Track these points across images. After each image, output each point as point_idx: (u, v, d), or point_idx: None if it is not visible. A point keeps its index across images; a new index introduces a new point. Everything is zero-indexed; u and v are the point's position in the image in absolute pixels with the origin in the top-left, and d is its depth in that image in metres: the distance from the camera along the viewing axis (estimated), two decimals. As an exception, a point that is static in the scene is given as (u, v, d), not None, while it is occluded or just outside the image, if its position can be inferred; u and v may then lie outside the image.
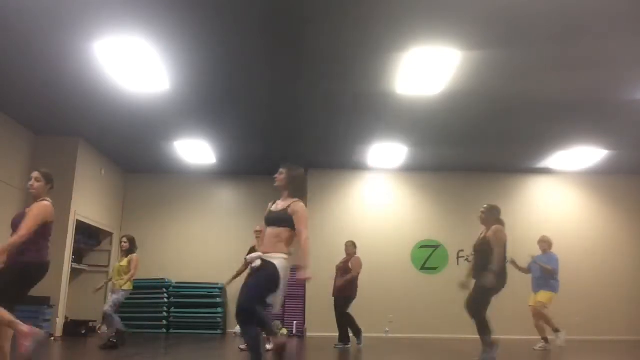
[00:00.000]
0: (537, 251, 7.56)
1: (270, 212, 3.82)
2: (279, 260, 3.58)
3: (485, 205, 5.48)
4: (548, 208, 10.18)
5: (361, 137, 8.57)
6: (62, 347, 6.80)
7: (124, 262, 6.81)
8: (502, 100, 7.00)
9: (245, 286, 3.68)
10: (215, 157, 9.67)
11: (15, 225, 3.88)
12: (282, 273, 3.57)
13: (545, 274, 7.23)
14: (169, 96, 6.88)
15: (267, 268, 3.58)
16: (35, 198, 4.05)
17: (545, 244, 7.51)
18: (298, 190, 3.86)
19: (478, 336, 5.12)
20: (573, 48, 5.59)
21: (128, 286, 6.70)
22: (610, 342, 8.63)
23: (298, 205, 3.72)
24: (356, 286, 7.45)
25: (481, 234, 5.41)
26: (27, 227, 3.80)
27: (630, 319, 9.60)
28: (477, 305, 5.12)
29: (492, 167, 10.15)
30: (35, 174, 4.09)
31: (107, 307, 6.64)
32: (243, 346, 6.43)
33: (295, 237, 3.71)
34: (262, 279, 3.58)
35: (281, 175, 3.88)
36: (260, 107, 7.45)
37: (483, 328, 5.06)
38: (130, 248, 6.89)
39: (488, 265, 5.06)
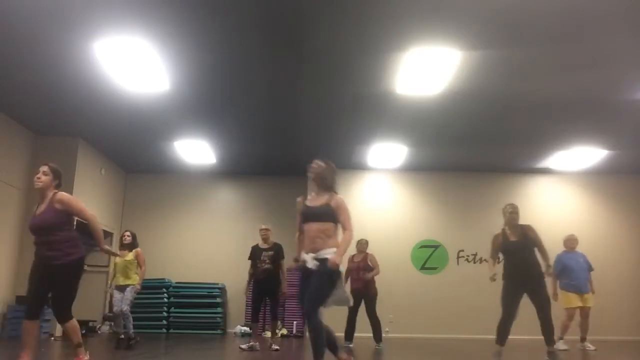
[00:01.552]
0: None
1: (310, 207, 3.73)
2: (332, 255, 3.58)
3: (514, 205, 5.43)
4: (548, 208, 10.17)
5: (361, 137, 8.57)
6: (62, 347, 6.80)
7: (129, 256, 6.55)
8: (502, 100, 7.00)
9: (309, 288, 3.58)
10: (215, 157, 9.67)
11: (46, 224, 3.86)
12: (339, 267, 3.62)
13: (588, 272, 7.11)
14: (169, 96, 6.88)
15: (325, 267, 3.55)
16: (41, 191, 3.98)
17: (575, 241, 7.31)
18: (333, 185, 3.85)
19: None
20: (573, 48, 5.59)
21: (136, 281, 6.53)
22: (611, 342, 8.63)
23: (340, 199, 3.73)
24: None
25: (509, 232, 5.32)
26: (89, 212, 4.01)
27: (630, 319, 9.59)
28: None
29: (492, 167, 10.14)
30: (44, 168, 4.00)
31: (125, 307, 6.38)
32: (244, 346, 6.42)
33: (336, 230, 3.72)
34: (325, 279, 3.55)
35: (319, 168, 3.85)
36: (260, 107, 7.45)
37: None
38: (133, 242, 6.70)
39: (536, 262, 5.16)
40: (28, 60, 6.04)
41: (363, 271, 7.28)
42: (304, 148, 9.23)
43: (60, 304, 3.91)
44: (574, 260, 7.19)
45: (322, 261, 3.56)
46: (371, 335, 7.26)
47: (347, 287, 6.69)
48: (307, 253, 3.65)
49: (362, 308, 7.29)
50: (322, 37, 5.49)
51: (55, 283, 3.87)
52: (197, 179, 10.88)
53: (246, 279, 6.94)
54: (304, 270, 3.68)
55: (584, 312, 7.19)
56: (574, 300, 7.09)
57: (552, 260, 5.88)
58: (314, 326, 3.46)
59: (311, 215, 3.71)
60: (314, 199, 3.80)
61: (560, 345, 6.94)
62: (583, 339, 7.17)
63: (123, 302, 6.43)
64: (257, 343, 6.51)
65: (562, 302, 7.11)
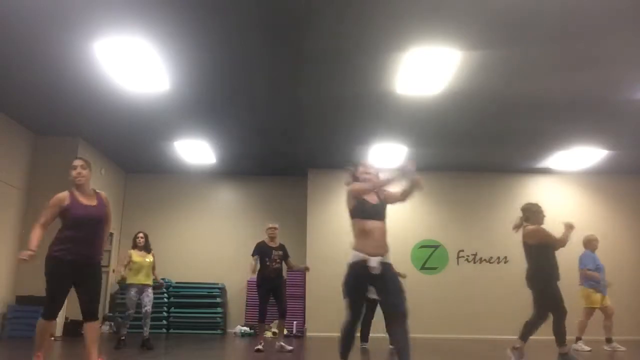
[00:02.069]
0: None
1: (373, 205, 3.55)
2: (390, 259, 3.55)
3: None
4: (548, 208, 10.01)
5: (361, 137, 8.56)
6: (62, 347, 6.79)
7: (150, 257, 6.80)
8: (502, 100, 7.00)
9: (393, 289, 3.42)
10: (215, 157, 9.67)
11: (102, 218, 3.99)
12: None
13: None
14: (169, 96, 6.88)
15: (394, 270, 3.51)
16: (83, 186, 3.95)
17: (597, 242, 7.33)
18: None
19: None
20: (573, 48, 5.59)
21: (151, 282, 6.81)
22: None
23: (391, 191, 3.72)
24: None
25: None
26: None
27: (631, 319, 9.59)
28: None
29: (492, 167, 10.15)
30: (81, 162, 3.97)
31: (150, 308, 6.65)
32: (260, 346, 6.33)
33: None
34: (399, 282, 3.51)
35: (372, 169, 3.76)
36: (260, 107, 7.45)
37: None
38: (147, 243, 6.89)
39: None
40: (28, 60, 6.04)
41: None
42: (303, 148, 9.24)
43: (97, 301, 3.96)
44: (599, 261, 7.24)
45: (388, 265, 3.48)
46: (372, 334, 7.26)
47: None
48: (371, 256, 3.41)
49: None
50: (322, 37, 5.49)
51: (92, 280, 3.90)
52: (197, 179, 10.88)
53: (246, 278, 6.87)
54: (364, 273, 3.43)
55: (610, 311, 7.22)
56: (598, 301, 7.14)
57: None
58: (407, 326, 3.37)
59: (377, 213, 3.54)
60: (372, 196, 3.62)
61: (582, 345, 6.96)
62: (609, 340, 7.20)
63: (149, 303, 6.65)
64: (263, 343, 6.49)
65: (585, 301, 7.15)
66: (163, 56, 5.80)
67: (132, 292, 6.62)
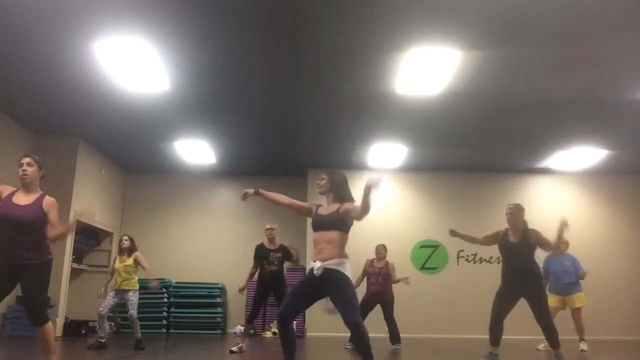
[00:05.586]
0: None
1: (320, 216, 3.73)
2: (344, 266, 3.53)
3: (514, 205, 5.32)
4: (548, 208, 10.15)
5: (361, 137, 8.57)
6: (62, 347, 6.79)
7: (129, 261, 6.63)
8: (502, 100, 7.00)
9: (342, 301, 3.46)
10: (215, 157, 9.68)
11: (26, 219, 3.54)
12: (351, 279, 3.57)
13: (581, 278, 7.16)
14: (169, 96, 6.88)
15: (342, 278, 3.50)
16: (29, 185, 3.68)
17: (564, 244, 7.20)
18: (345, 194, 3.78)
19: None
20: (573, 48, 5.59)
21: (137, 286, 6.66)
22: (610, 342, 8.63)
23: (350, 204, 3.67)
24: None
25: (511, 233, 5.22)
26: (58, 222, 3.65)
27: (630, 319, 9.59)
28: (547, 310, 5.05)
29: (492, 167, 10.14)
30: (27, 159, 3.68)
31: (134, 312, 6.50)
32: (235, 348, 6.27)
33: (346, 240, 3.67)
34: (351, 290, 3.52)
35: (323, 181, 3.83)
36: (260, 107, 7.45)
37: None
38: (132, 246, 6.76)
39: (535, 267, 5.08)
40: (28, 60, 6.04)
41: (384, 277, 7.41)
42: (304, 148, 9.24)
43: (33, 305, 3.68)
44: (556, 264, 7.19)
45: (335, 272, 3.49)
46: (372, 334, 7.24)
47: (361, 289, 6.74)
48: (314, 261, 3.60)
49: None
50: (322, 37, 5.49)
51: (27, 282, 3.60)
52: (197, 179, 10.88)
53: (245, 277, 6.84)
54: (309, 278, 3.62)
55: (573, 313, 7.23)
56: (552, 302, 7.07)
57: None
58: (363, 331, 3.42)
59: (320, 224, 3.68)
60: (325, 208, 3.80)
61: (541, 345, 7.03)
62: (580, 340, 7.19)
63: (131, 307, 6.53)
64: (243, 344, 6.33)
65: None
66: (163, 56, 5.80)
67: (110, 295, 6.61)
